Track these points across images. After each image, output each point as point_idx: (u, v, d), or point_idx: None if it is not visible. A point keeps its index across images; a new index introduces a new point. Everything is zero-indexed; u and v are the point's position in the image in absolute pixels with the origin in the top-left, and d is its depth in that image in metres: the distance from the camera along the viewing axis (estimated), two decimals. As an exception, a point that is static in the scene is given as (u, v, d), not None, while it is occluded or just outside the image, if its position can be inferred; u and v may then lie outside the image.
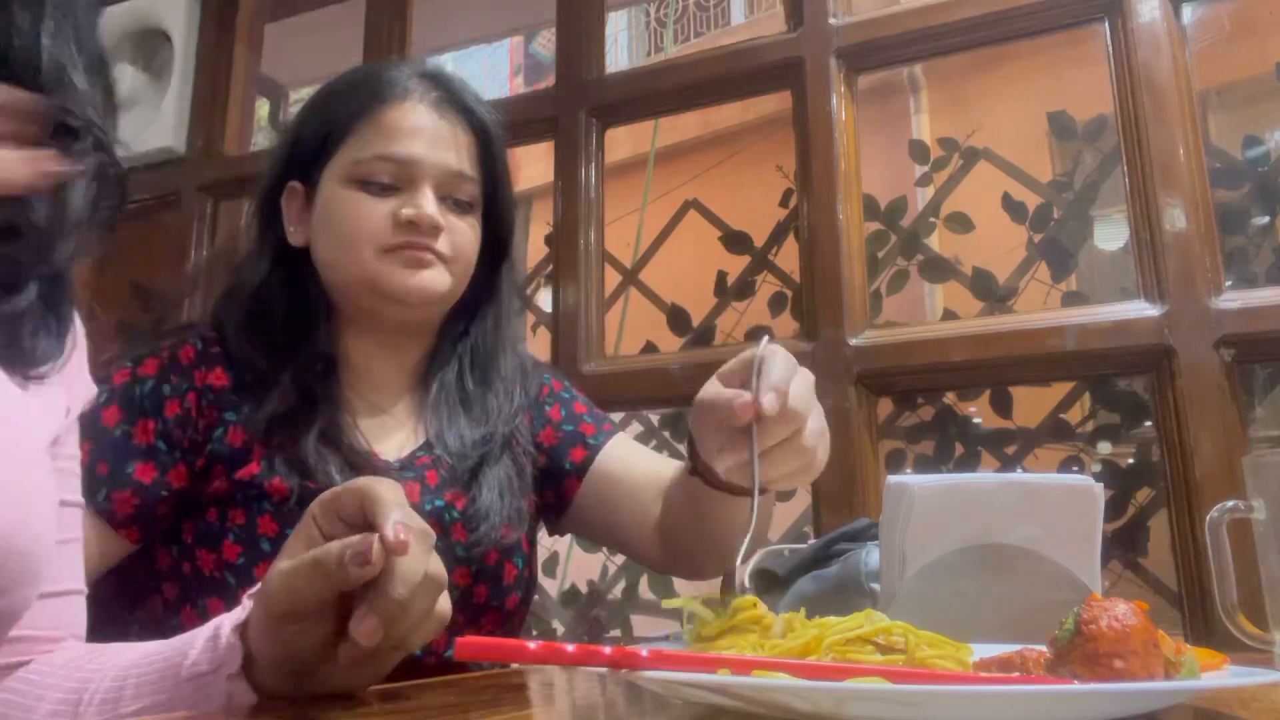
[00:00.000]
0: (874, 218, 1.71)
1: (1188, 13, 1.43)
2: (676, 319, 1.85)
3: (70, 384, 0.63)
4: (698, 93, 1.75)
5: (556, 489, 1.07)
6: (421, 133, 0.97)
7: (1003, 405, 1.59)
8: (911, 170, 1.90)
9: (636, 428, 1.98)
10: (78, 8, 0.59)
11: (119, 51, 2.20)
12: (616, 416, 1.92)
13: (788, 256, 1.72)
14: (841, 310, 1.51)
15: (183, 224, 2.09)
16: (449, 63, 4.75)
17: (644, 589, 1.92)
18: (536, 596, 1.40)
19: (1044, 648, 0.50)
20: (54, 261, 0.58)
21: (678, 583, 1.51)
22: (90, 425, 0.82)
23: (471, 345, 1.04)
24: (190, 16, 2.21)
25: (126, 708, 0.58)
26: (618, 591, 1.95)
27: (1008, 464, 1.55)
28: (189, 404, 0.91)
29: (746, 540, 0.68)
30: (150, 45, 2.24)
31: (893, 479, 0.82)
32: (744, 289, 1.82)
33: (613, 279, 1.83)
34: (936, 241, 1.77)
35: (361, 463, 0.92)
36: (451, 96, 1.00)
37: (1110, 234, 1.81)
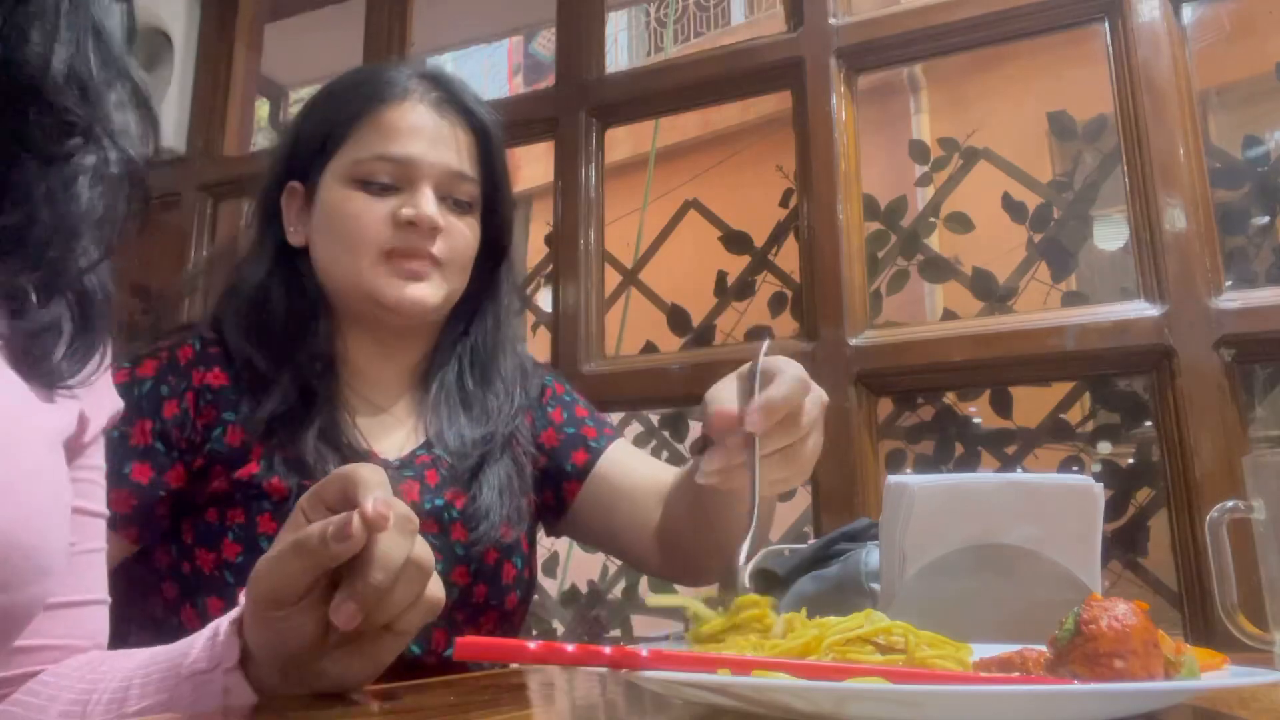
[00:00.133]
0: (874, 218, 1.71)
1: (1188, 13, 1.43)
2: (676, 319, 1.85)
3: (93, 393, 0.63)
4: (698, 93, 1.75)
5: (556, 491, 1.07)
6: (421, 133, 0.97)
7: (1003, 405, 1.59)
8: (911, 170, 1.90)
9: (636, 428, 1.98)
10: (97, 19, 0.59)
11: (119, 51, 2.20)
12: (616, 416, 1.92)
13: (788, 256, 1.72)
14: (841, 310, 1.51)
15: (183, 224, 2.09)
16: (449, 63, 4.75)
17: (644, 589, 1.92)
18: (536, 596, 1.40)
19: (1044, 648, 0.50)
20: (71, 269, 0.58)
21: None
22: None
23: (471, 345, 1.05)
24: (190, 16, 2.21)
25: (131, 708, 0.58)
26: (618, 591, 1.95)
27: (1008, 464, 1.55)
28: (186, 404, 0.92)
29: (747, 542, 0.68)
30: (150, 45, 2.24)
31: (893, 479, 0.82)
32: (744, 289, 1.82)
33: (613, 279, 1.83)
34: (936, 241, 1.77)
35: (361, 461, 0.92)
36: (451, 97, 1.01)
37: (1110, 234, 1.81)
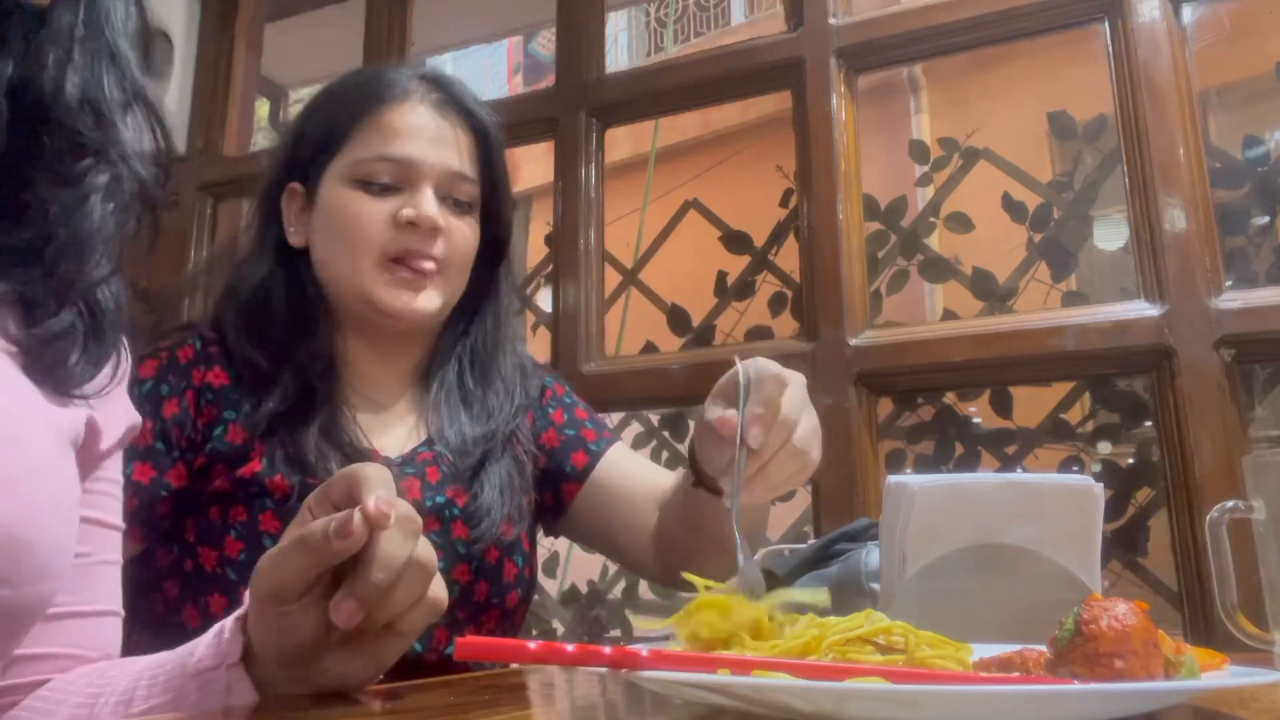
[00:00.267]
0: (874, 218, 1.71)
1: (1188, 13, 1.43)
2: (676, 319, 1.85)
3: (107, 404, 0.64)
4: (698, 93, 1.75)
5: (555, 492, 1.08)
6: (422, 133, 0.98)
7: (1003, 405, 1.59)
8: (911, 170, 1.90)
9: (636, 428, 1.98)
10: (112, 43, 0.61)
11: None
12: (616, 416, 1.92)
13: (788, 256, 1.72)
14: (841, 310, 1.51)
15: (183, 224, 2.09)
16: (449, 63, 4.75)
17: (644, 589, 1.92)
18: (536, 597, 1.40)
19: (1044, 648, 0.50)
20: (82, 281, 0.59)
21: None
22: None
23: (471, 345, 1.05)
24: (190, 16, 2.21)
25: (137, 708, 0.58)
26: (618, 591, 1.95)
27: (1008, 464, 1.55)
28: (186, 403, 0.92)
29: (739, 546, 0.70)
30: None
31: (893, 479, 0.82)
32: (744, 289, 1.82)
33: (613, 279, 1.83)
34: (936, 241, 1.77)
35: (362, 459, 0.92)
36: (451, 98, 1.01)
37: (1110, 234, 1.81)
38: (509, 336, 1.08)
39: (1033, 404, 1.59)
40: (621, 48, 6.57)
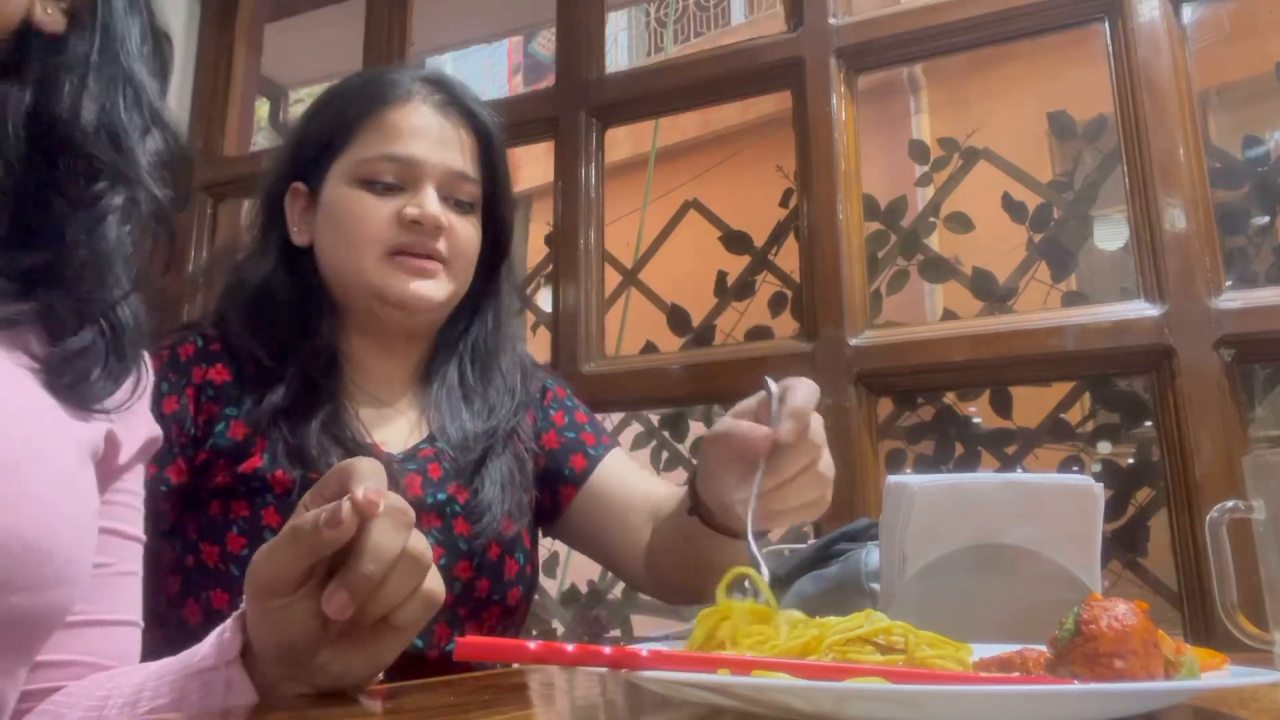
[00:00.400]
0: (874, 218, 1.71)
1: (1188, 13, 1.43)
2: (676, 319, 1.85)
3: (127, 418, 0.65)
4: (698, 93, 1.75)
5: (553, 493, 1.08)
6: (425, 133, 0.99)
7: (1003, 405, 1.59)
8: (911, 170, 1.90)
9: (636, 428, 1.98)
10: (128, 68, 0.62)
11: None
12: (616, 416, 1.92)
13: (788, 256, 1.72)
14: (841, 310, 1.51)
15: (183, 224, 2.09)
16: (449, 63, 4.76)
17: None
18: (536, 596, 1.40)
19: (1044, 648, 0.50)
20: (102, 300, 0.61)
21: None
22: None
23: (472, 343, 1.06)
24: (190, 16, 2.21)
25: (143, 709, 0.59)
26: (618, 591, 1.95)
27: (1008, 464, 1.55)
28: (186, 400, 0.93)
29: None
30: (150, 45, 2.24)
31: (893, 479, 0.82)
32: (744, 289, 1.82)
33: (613, 279, 1.83)
34: (936, 241, 1.77)
35: (364, 454, 0.93)
36: (454, 99, 1.02)
37: (1110, 234, 1.81)
38: (510, 336, 1.09)
39: (1033, 404, 1.59)
40: (621, 48, 6.57)
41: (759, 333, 1.79)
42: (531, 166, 2.87)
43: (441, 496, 0.96)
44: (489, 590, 0.96)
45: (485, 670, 0.90)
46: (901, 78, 4.33)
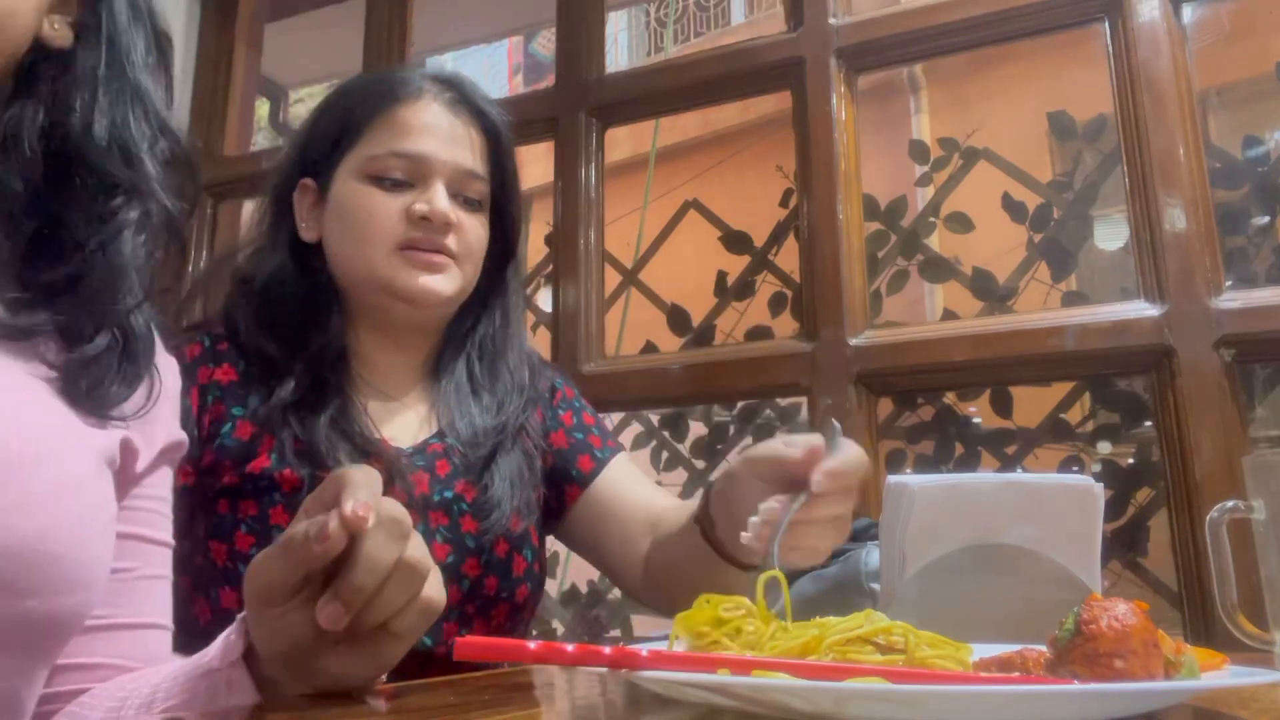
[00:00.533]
0: (874, 218, 1.71)
1: (1188, 13, 1.43)
2: (676, 319, 1.85)
3: (145, 424, 0.66)
4: (698, 93, 1.75)
5: (559, 493, 1.08)
6: (435, 131, 0.99)
7: (1003, 405, 1.59)
8: (911, 170, 1.90)
9: (636, 428, 1.98)
10: (135, 80, 0.63)
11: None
12: (616, 416, 1.92)
13: (788, 256, 1.72)
14: (841, 310, 1.51)
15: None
16: (449, 63, 4.75)
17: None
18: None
19: (1044, 648, 0.50)
20: (117, 310, 0.62)
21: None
22: None
23: (480, 340, 1.06)
24: (190, 16, 2.21)
25: (157, 709, 0.59)
26: (618, 591, 1.95)
27: (1008, 464, 1.55)
28: (190, 401, 0.93)
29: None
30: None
31: (893, 479, 0.82)
32: (744, 289, 1.82)
33: (613, 279, 1.83)
34: (936, 241, 1.78)
35: (373, 449, 0.93)
36: (464, 98, 1.03)
37: (1110, 234, 1.81)
38: (518, 333, 1.10)
39: (1033, 404, 1.59)
40: (621, 48, 6.57)
41: (759, 333, 1.79)
42: (531, 166, 2.87)
43: (449, 494, 0.96)
44: (497, 587, 0.97)
45: (488, 670, 0.90)
46: (901, 78, 4.33)
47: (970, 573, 0.78)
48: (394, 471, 0.92)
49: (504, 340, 1.07)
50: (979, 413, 1.64)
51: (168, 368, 0.72)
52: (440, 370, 1.04)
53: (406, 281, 0.96)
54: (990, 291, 1.66)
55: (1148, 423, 1.47)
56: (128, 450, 0.64)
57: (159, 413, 0.68)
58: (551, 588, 2.09)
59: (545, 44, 6.45)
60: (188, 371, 0.94)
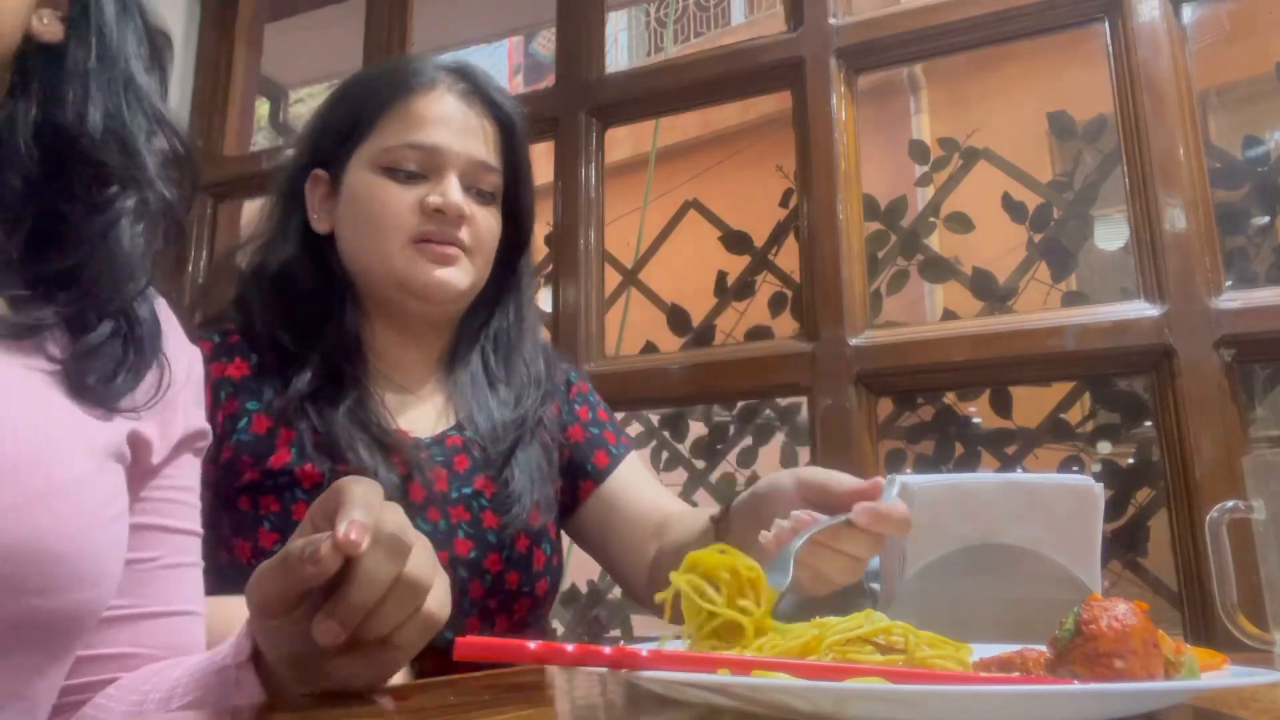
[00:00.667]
0: (874, 218, 1.71)
1: (1188, 13, 1.43)
2: (676, 319, 1.85)
3: (158, 414, 0.66)
4: (698, 93, 1.75)
5: (572, 487, 1.08)
6: (449, 122, 0.99)
7: (1003, 405, 1.59)
8: (911, 170, 1.90)
9: (636, 428, 1.98)
10: (128, 71, 0.63)
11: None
12: (617, 416, 1.92)
13: (788, 256, 1.72)
14: (841, 310, 1.51)
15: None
16: (449, 63, 4.74)
17: (644, 589, 1.91)
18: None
19: (1044, 648, 0.50)
20: (119, 299, 0.62)
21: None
22: None
23: (494, 333, 1.06)
24: (190, 16, 2.21)
25: (175, 704, 0.59)
26: (618, 591, 1.95)
27: (1008, 464, 1.55)
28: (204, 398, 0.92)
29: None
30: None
31: (892, 479, 0.82)
32: (744, 289, 1.82)
33: (613, 279, 1.83)
34: (936, 241, 1.77)
35: (390, 441, 0.93)
36: (478, 89, 1.02)
37: (1110, 234, 1.81)
38: (532, 327, 1.09)
39: (1033, 404, 1.59)
40: (621, 48, 6.57)
41: (759, 333, 1.79)
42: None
43: (468, 490, 0.96)
44: (519, 582, 0.97)
45: (488, 670, 0.90)
46: (901, 78, 4.33)
47: (970, 573, 0.78)
48: (413, 466, 0.92)
49: (519, 333, 1.07)
50: (979, 413, 1.64)
51: (191, 356, 0.72)
52: (455, 362, 1.04)
53: (420, 276, 0.96)
54: (990, 291, 1.66)
55: (1148, 423, 1.47)
56: (138, 442, 0.64)
57: (175, 402, 0.67)
58: (551, 588, 2.09)
59: (545, 44, 6.45)
60: None
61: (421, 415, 1.00)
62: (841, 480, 0.78)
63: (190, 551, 0.70)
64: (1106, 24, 1.46)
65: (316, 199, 1.01)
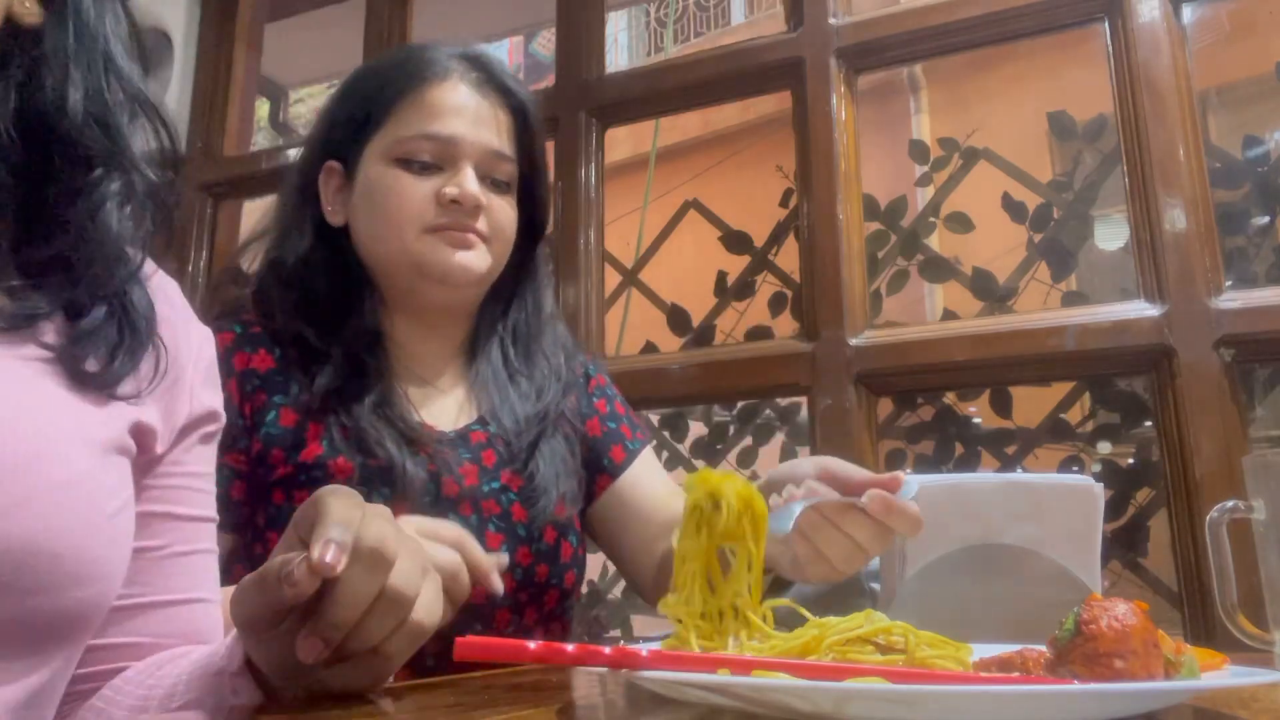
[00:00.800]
0: (874, 218, 1.71)
1: (1188, 13, 1.43)
2: (676, 319, 1.85)
3: (161, 401, 0.65)
4: (698, 93, 1.75)
5: (590, 481, 1.09)
6: (463, 112, 0.98)
7: (1003, 405, 1.59)
8: (911, 170, 1.90)
9: (636, 428, 1.97)
10: (108, 52, 0.63)
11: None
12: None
13: (788, 256, 1.72)
14: (841, 310, 1.51)
15: (183, 224, 2.09)
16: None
17: (644, 589, 1.91)
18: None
19: (1044, 648, 0.50)
20: (110, 283, 0.61)
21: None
22: None
23: (513, 324, 1.06)
24: (190, 16, 2.21)
25: (175, 703, 0.59)
26: (618, 591, 1.95)
27: (1008, 464, 1.55)
28: (229, 391, 0.91)
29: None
30: (150, 45, 2.24)
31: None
32: (744, 289, 1.82)
33: (613, 279, 1.83)
34: (936, 241, 1.77)
35: (415, 435, 0.93)
36: (491, 77, 1.02)
37: (1110, 234, 1.81)
38: (550, 318, 1.09)
39: (1033, 404, 1.59)
40: (621, 48, 6.57)
41: (759, 333, 1.79)
42: (531, 166, 2.87)
43: (496, 485, 0.96)
44: (548, 575, 0.97)
45: (488, 669, 0.90)
46: (901, 78, 4.33)
47: (970, 573, 0.78)
48: (439, 463, 0.93)
49: (537, 325, 1.07)
50: (979, 413, 1.64)
51: (202, 336, 0.71)
52: (475, 354, 1.04)
53: (439, 259, 0.95)
54: (990, 291, 1.66)
55: (1148, 423, 1.47)
56: (141, 433, 0.63)
57: (180, 387, 0.67)
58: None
59: (545, 44, 6.45)
60: (222, 360, 0.93)
61: (443, 408, 1.00)
62: (862, 471, 0.78)
63: (201, 538, 0.69)
64: (1106, 24, 1.46)
65: (330, 191, 1.01)
